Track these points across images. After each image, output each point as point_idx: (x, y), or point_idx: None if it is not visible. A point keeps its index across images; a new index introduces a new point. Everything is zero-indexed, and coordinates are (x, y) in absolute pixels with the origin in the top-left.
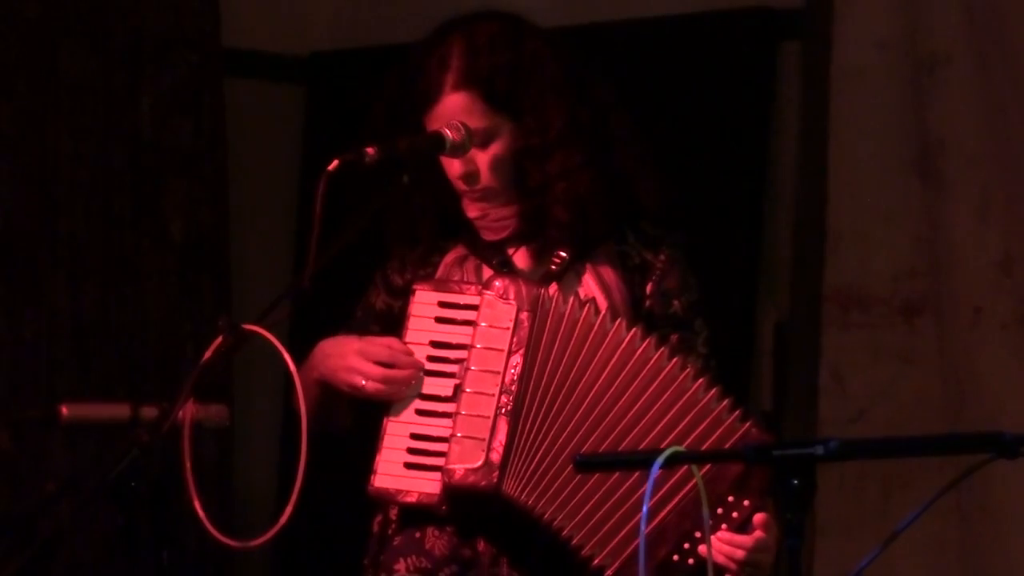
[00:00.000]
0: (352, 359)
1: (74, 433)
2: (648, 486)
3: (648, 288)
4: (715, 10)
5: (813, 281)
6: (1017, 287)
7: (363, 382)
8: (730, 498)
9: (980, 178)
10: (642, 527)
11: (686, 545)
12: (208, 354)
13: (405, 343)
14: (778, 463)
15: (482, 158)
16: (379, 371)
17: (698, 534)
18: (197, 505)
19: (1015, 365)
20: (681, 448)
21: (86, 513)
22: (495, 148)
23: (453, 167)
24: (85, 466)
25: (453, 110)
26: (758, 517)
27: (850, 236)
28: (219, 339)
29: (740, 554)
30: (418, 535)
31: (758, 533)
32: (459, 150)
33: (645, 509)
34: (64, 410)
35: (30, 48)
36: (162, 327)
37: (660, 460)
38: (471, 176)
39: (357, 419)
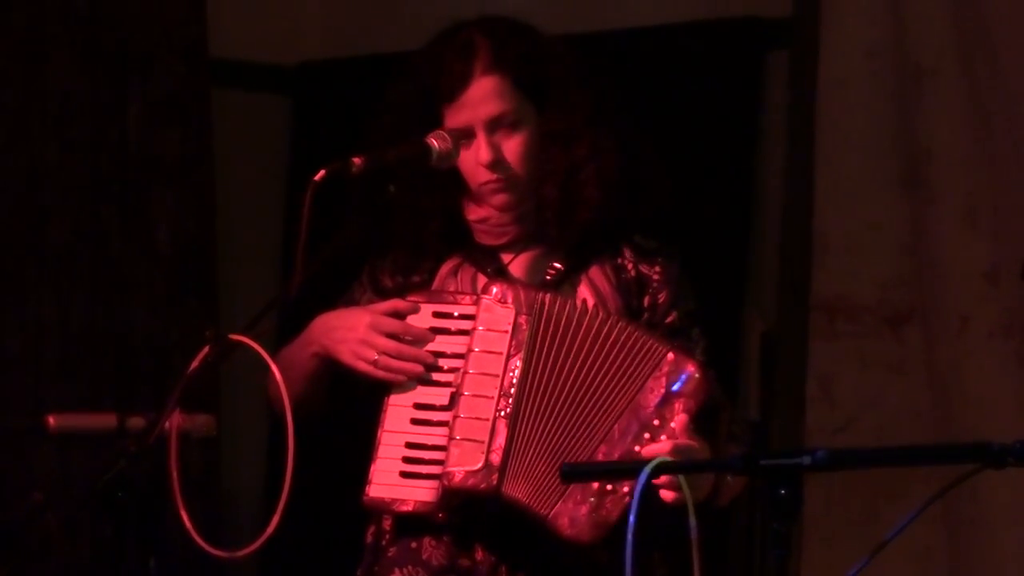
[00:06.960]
0: (364, 332)
1: (61, 443)
2: (636, 497)
3: (646, 301)
4: (703, 20)
5: (800, 291)
6: (1004, 296)
7: (376, 356)
8: (656, 421)
9: (967, 187)
10: (629, 537)
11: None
12: (195, 364)
13: None
14: (765, 473)
15: (510, 144)
16: (393, 345)
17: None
18: (184, 515)
19: (1002, 374)
20: (667, 458)
21: (73, 523)
22: (523, 133)
23: (481, 153)
24: (72, 476)
25: (484, 94)
26: (679, 420)
27: (837, 245)
28: (206, 349)
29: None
30: (414, 545)
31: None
32: (445, 160)
33: (632, 519)
34: (51, 420)
35: (17, 58)
36: (149, 337)
37: (647, 470)
38: (498, 163)
39: (338, 404)
